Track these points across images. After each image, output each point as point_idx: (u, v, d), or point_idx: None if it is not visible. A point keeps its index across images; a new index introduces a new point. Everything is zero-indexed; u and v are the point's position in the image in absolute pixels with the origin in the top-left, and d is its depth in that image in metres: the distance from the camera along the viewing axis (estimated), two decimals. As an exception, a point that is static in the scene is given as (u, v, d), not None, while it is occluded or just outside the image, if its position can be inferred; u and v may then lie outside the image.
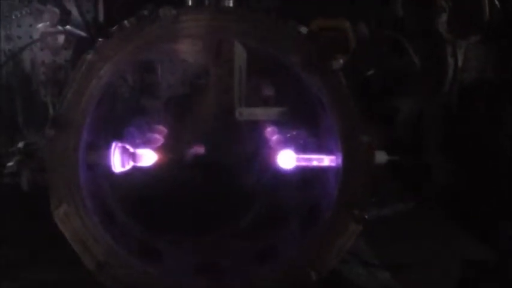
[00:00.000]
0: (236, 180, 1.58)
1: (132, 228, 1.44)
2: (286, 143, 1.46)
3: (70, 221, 1.27)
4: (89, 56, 1.22)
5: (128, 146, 1.30)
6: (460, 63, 2.04)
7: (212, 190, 1.58)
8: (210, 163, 1.64)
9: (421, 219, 1.92)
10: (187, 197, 1.56)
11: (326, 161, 1.35)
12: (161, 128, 1.54)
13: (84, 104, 1.24)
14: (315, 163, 1.36)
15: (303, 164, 1.36)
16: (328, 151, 1.38)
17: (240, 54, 1.68)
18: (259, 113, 1.70)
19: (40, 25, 1.86)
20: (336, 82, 1.25)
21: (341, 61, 1.23)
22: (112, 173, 1.32)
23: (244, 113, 1.68)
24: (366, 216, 1.29)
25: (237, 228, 1.53)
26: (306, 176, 1.45)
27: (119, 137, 1.35)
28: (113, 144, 1.28)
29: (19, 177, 1.36)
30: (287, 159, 1.36)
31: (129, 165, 1.31)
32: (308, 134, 1.49)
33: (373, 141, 1.27)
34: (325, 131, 1.41)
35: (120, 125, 1.43)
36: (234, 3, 1.49)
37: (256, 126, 1.65)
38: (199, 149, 1.66)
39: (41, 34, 1.84)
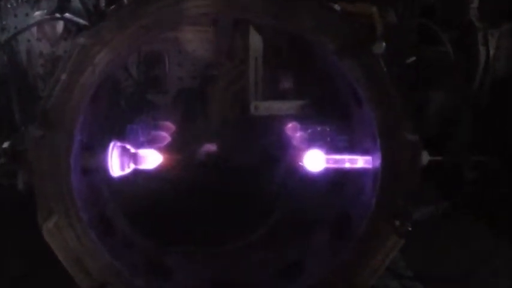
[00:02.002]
0: (254, 184, 1.34)
1: (136, 241, 1.20)
2: (311, 141, 1.22)
3: (62, 235, 1.04)
4: (82, 40, 0.98)
5: (128, 146, 1.06)
6: (491, 52, 1.79)
7: (227, 195, 1.34)
8: (224, 164, 1.40)
9: (453, 223, 1.67)
10: (199, 203, 1.31)
11: (360, 162, 1.11)
12: (168, 124, 1.29)
13: (77, 98, 1.00)
14: (347, 165, 1.11)
15: (333, 165, 1.11)
16: (362, 151, 1.14)
17: (255, 42, 1.43)
18: (277, 107, 1.45)
19: (37, 13, 1.61)
20: (377, 69, 1.00)
21: (383, 44, 0.98)
22: (112, 178, 1.08)
23: (260, 107, 1.43)
24: (410, 228, 1.05)
25: (257, 239, 1.29)
26: (336, 179, 1.20)
27: (119, 136, 1.11)
28: (111, 144, 1.04)
29: (15, 177, 1.12)
30: (315, 160, 1.11)
31: (129, 168, 1.07)
32: (336, 130, 1.24)
33: (419, 140, 1.02)
34: (358, 127, 1.17)
35: (121, 122, 1.19)
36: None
37: (275, 122, 1.40)
38: (211, 149, 1.41)
39: (38, 22, 1.59)
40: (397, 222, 1.04)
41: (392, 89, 1.01)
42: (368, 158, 1.10)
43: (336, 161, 1.10)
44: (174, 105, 1.51)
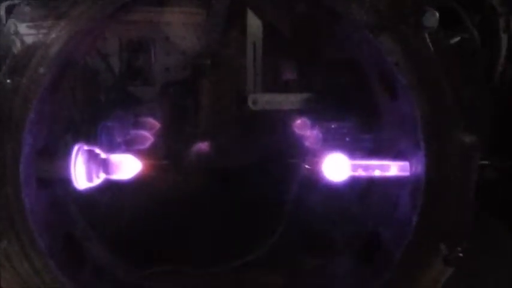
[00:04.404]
0: (256, 193, 1.06)
1: (114, 268, 0.91)
2: (327, 141, 0.95)
3: (12, 266, 0.76)
4: (27, 10, 0.69)
5: (97, 151, 0.78)
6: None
7: (224, 206, 1.05)
8: (218, 169, 1.12)
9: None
10: (189, 216, 1.03)
11: (394, 169, 0.84)
12: (150, 121, 1.01)
13: (24, 90, 0.71)
14: (377, 173, 0.84)
15: (360, 174, 0.84)
16: (395, 154, 0.87)
17: (254, 26, 1.15)
18: (279, 100, 1.17)
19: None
20: (424, 49, 0.73)
21: (437, 16, 0.72)
22: (79, 191, 0.80)
23: (260, 100, 1.15)
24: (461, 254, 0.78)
25: (261, 260, 1.01)
26: (360, 190, 0.93)
27: (88, 137, 0.83)
28: (75, 148, 0.75)
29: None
30: (336, 166, 0.84)
31: (99, 179, 0.79)
32: (357, 128, 0.98)
33: (476, 141, 0.76)
34: (390, 125, 0.90)
35: (91, 120, 0.90)
36: None
37: (279, 118, 1.13)
38: (203, 150, 1.13)
39: None
40: (444, 247, 0.79)
41: (443, 76, 0.74)
42: (404, 163, 0.83)
43: (364, 168, 0.84)
44: (160, 99, 1.23)
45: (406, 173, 0.83)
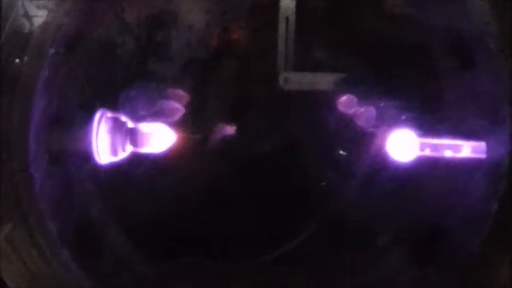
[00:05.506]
0: (291, 181, 0.92)
1: (135, 261, 0.77)
2: (381, 120, 0.82)
3: (18, 254, 0.62)
4: None
5: (124, 118, 0.64)
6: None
7: (258, 194, 0.91)
8: (247, 154, 0.99)
9: None
10: (216, 204, 0.89)
11: (467, 150, 0.71)
12: (180, 93, 0.87)
13: (38, 41, 0.58)
14: (447, 153, 0.71)
15: (429, 154, 0.71)
16: (464, 135, 0.74)
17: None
18: (312, 80, 1.05)
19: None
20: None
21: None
22: (98, 167, 0.66)
23: (292, 79, 1.03)
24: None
25: (296, 256, 0.87)
26: (418, 175, 0.80)
27: (110, 104, 0.69)
28: (98, 115, 0.62)
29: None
30: (404, 145, 0.71)
31: (125, 152, 0.65)
32: (412, 107, 0.84)
33: None
34: (458, 101, 0.77)
35: (111, 86, 0.76)
36: None
37: (316, 98, 1.00)
38: (230, 133, 1.00)
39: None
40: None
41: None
42: (479, 144, 0.70)
43: (433, 148, 0.70)
44: (181, 77, 1.10)
45: (481, 155, 0.71)
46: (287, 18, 1.06)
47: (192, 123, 0.94)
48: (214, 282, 0.86)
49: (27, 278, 0.65)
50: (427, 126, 0.78)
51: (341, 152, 0.94)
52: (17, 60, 0.63)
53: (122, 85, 0.72)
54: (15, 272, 0.64)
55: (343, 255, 0.85)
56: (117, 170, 0.67)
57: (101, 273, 0.68)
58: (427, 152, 0.71)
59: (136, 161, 0.68)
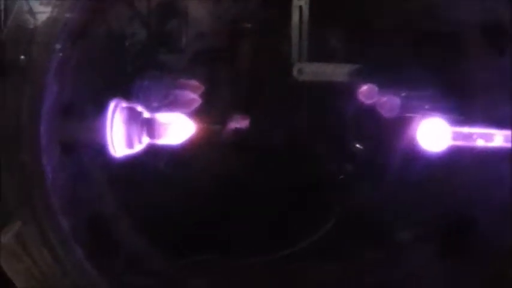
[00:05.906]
0: (309, 173, 0.88)
1: (152, 259, 0.73)
2: (406, 109, 0.78)
3: (28, 253, 0.58)
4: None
5: (139, 108, 0.60)
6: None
7: (275, 188, 0.87)
8: (263, 147, 0.95)
9: None
10: (234, 199, 0.85)
11: (499, 139, 0.67)
12: (194, 83, 0.82)
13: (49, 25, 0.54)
14: (479, 142, 0.67)
15: (460, 143, 0.67)
16: (495, 123, 0.70)
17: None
18: (327, 71, 1.01)
19: None
20: None
21: None
22: (112, 160, 0.62)
23: (306, 70, 0.99)
24: None
25: (328, 249, 0.83)
26: (448, 164, 0.76)
27: (124, 94, 0.65)
28: (113, 104, 0.58)
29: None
30: (435, 134, 0.67)
31: (141, 144, 0.61)
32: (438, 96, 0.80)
33: None
34: (488, 88, 0.73)
35: (126, 77, 0.72)
36: None
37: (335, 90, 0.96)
38: (244, 125, 0.96)
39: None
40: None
41: None
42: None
43: (465, 137, 0.67)
44: (194, 68, 1.06)
45: (512, 144, 0.67)
46: (300, 7, 1.02)
47: (206, 114, 0.91)
48: (229, 278, 0.83)
49: (38, 278, 0.61)
50: (458, 115, 0.74)
51: (357, 145, 0.91)
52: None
53: (136, 75, 0.68)
54: (25, 272, 0.60)
55: (370, 250, 0.82)
56: (132, 163, 0.63)
57: (115, 272, 0.64)
58: (459, 142, 0.67)
59: (153, 152, 0.64)
